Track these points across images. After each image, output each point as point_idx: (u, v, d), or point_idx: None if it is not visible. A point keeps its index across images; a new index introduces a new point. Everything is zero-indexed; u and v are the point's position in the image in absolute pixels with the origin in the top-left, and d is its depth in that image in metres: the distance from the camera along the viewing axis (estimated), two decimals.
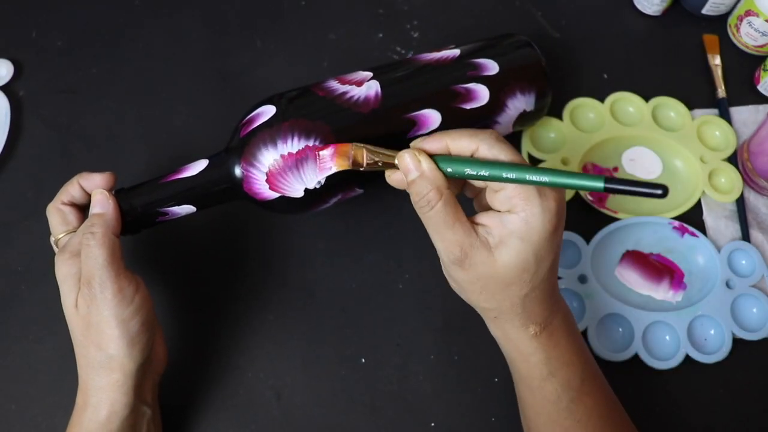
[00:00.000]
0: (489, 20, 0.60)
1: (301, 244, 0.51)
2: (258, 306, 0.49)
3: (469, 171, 0.34)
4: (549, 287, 0.37)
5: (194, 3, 0.62)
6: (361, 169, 0.37)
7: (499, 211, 0.35)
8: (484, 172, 0.34)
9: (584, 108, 0.56)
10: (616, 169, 0.53)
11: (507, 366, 0.47)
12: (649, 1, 0.59)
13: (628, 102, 0.56)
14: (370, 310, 0.49)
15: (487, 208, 0.37)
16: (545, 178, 0.33)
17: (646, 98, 0.56)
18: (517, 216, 0.34)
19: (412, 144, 0.37)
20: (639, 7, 0.60)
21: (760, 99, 0.57)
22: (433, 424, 0.46)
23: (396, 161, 0.37)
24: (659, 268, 0.50)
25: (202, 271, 0.50)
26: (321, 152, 0.38)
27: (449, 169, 0.35)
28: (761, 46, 0.57)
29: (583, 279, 0.49)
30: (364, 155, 0.37)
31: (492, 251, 0.34)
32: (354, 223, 0.51)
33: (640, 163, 0.53)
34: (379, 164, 0.37)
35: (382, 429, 0.46)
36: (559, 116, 0.55)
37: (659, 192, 0.30)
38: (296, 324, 0.48)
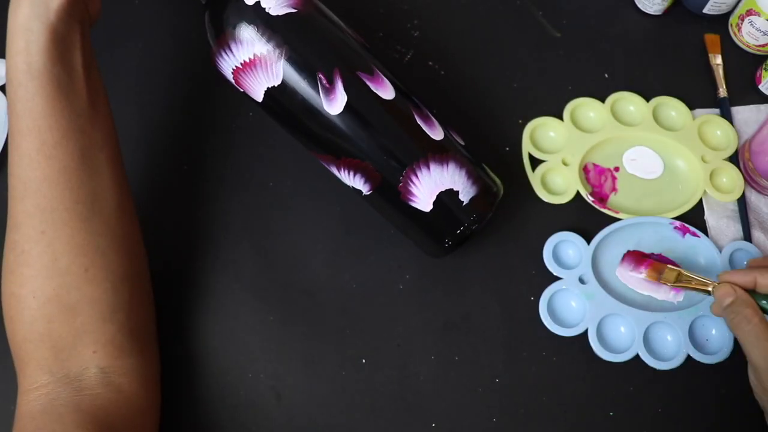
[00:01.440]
0: (489, 20, 0.60)
1: (301, 244, 0.51)
2: (258, 306, 0.49)
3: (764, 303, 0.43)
4: None
5: (194, 3, 0.62)
6: (669, 284, 0.46)
7: None
8: None
9: (585, 108, 0.55)
10: (617, 169, 0.53)
11: (507, 366, 0.47)
12: (650, 0, 0.59)
13: (628, 102, 0.56)
14: (370, 311, 0.49)
15: None
16: None
17: (647, 98, 0.55)
18: None
19: (720, 276, 0.44)
20: (640, 6, 0.60)
21: (761, 99, 0.57)
22: (433, 425, 0.46)
23: (710, 289, 0.44)
24: (660, 268, 0.49)
25: (202, 271, 0.50)
26: (641, 265, 0.48)
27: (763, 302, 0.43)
28: (762, 46, 0.57)
29: (583, 279, 0.49)
30: (677, 277, 0.46)
31: None
32: (354, 223, 0.51)
33: (641, 163, 0.53)
34: (689, 287, 0.46)
35: (382, 429, 0.45)
36: (560, 116, 0.55)
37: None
38: (296, 324, 0.48)
